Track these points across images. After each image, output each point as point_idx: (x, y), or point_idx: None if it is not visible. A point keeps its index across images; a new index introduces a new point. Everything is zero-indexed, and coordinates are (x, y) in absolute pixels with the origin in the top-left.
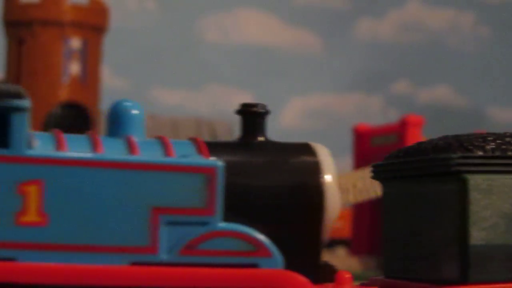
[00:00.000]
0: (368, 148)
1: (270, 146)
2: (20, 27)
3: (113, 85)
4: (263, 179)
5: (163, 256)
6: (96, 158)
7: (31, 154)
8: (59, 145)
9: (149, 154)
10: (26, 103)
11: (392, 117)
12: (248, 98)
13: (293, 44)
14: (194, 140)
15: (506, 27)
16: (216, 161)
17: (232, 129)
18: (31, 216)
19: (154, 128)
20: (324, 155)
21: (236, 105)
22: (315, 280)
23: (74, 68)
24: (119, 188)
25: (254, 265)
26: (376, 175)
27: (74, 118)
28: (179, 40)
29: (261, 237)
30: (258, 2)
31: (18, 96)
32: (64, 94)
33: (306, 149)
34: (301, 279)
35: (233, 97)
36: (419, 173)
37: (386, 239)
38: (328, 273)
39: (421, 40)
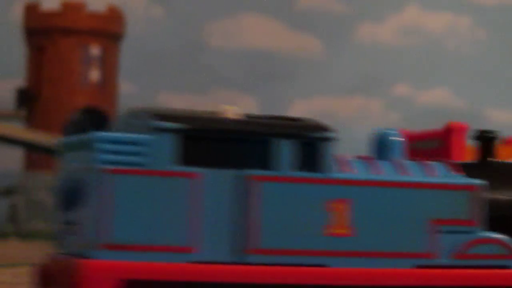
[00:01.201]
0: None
1: (503, 165)
2: (40, 35)
3: (122, 90)
4: (506, 193)
5: (443, 260)
6: (389, 179)
7: (338, 177)
8: (343, 167)
9: (415, 174)
10: (332, 134)
11: (392, 119)
12: (252, 102)
13: (296, 48)
14: (443, 161)
15: (503, 30)
16: (478, 180)
17: None
18: (339, 229)
19: None
20: None
21: (241, 109)
22: None
23: (93, 74)
24: (404, 204)
25: (506, 267)
26: None
27: (93, 123)
28: (185, 45)
29: None
30: (262, 8)
31: (326, 129)
32: (83, 100)
33: None
34: None
35: (238, 100)
36: None
37: None
38: None
39: (420, 43)
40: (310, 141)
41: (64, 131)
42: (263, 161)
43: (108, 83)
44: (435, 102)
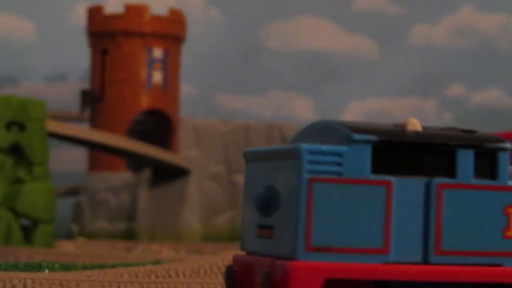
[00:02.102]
0: None
1: None
2: (104, 38)
3: (180, 92)
4: None
5: None
6: None
7: None
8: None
9: None
10: (509, 145)
11: (446, 120)
12: (308, 103)
13: (351, 50)
14: None
15: None
16: None
17: None
18: None
19: (227, 132)
20: None
21: (297, 110)
22: None
23: (156, 76)
24: None
25: None
26: None
27: (156, 125)
28: (242, 47)
29: None
30: (317, 10)
31: (502, 140)
32: (146, 102)
33: None
34: None
35: (294, 101)
36: None
37: None
38: None
39: (474, 44)
40: (490, 151)
41: (128, 132)
42: (447, 170)
43: (170, 85)
44: (489, 102)
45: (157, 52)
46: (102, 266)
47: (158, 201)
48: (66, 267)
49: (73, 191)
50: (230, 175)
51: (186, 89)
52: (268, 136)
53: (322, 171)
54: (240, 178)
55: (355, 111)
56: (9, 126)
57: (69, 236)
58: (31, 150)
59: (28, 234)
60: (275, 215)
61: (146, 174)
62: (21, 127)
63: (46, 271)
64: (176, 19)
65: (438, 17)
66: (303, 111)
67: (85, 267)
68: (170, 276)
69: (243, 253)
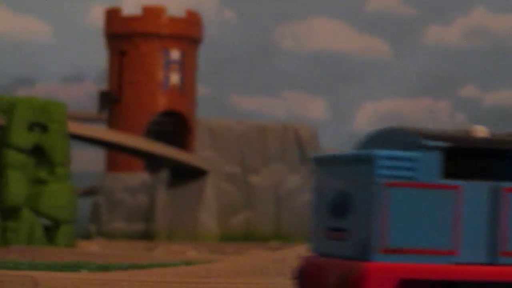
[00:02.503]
0: None
1: None
2: (121, 40)
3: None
4: None
5: None
6: None
7: None
8: None
9: None
10: None
11: (459, 120)
12: (322, 104)
13: (364, 51)
14: None
15: None
16: None
17: (316, 134)
18: None
19: (242, 133)
20: None
21: (311, 110)
22: None
23: (173, 78)
24: None
25: None
26: None
27: (173, 126)
28: (256, 48)
29: None
30: (331, 11)
31: None
32: (163, 103)
33: None
34: None
35: (308, 102)
36: None
37: None
38: None
39: (487, 44)
40: None
41: (146, 133)
42: None
43: (187, 87)
44: (502, 103)
45: (174, 54)
46: (138, 267)
47: (175, 202)
48: (104, 268)
49: (91, 192)
50: (246, 175)
51: (201, 90)
52: (283, 137)
53: (395, 176)
54: (255, 179)
55: (368, 112)
56: (31, 127)
57: (87, 236)
58: (53, 151)
59: (49, 234)
60: (347, 218)
61: (164, 174)
62: (43, 128)
63: (84, 271)
64: (193, 20)
65: (451, 18)
66: (316, 112)
67: (121, 267)
68: (212, 276)
69: (312, 254)
